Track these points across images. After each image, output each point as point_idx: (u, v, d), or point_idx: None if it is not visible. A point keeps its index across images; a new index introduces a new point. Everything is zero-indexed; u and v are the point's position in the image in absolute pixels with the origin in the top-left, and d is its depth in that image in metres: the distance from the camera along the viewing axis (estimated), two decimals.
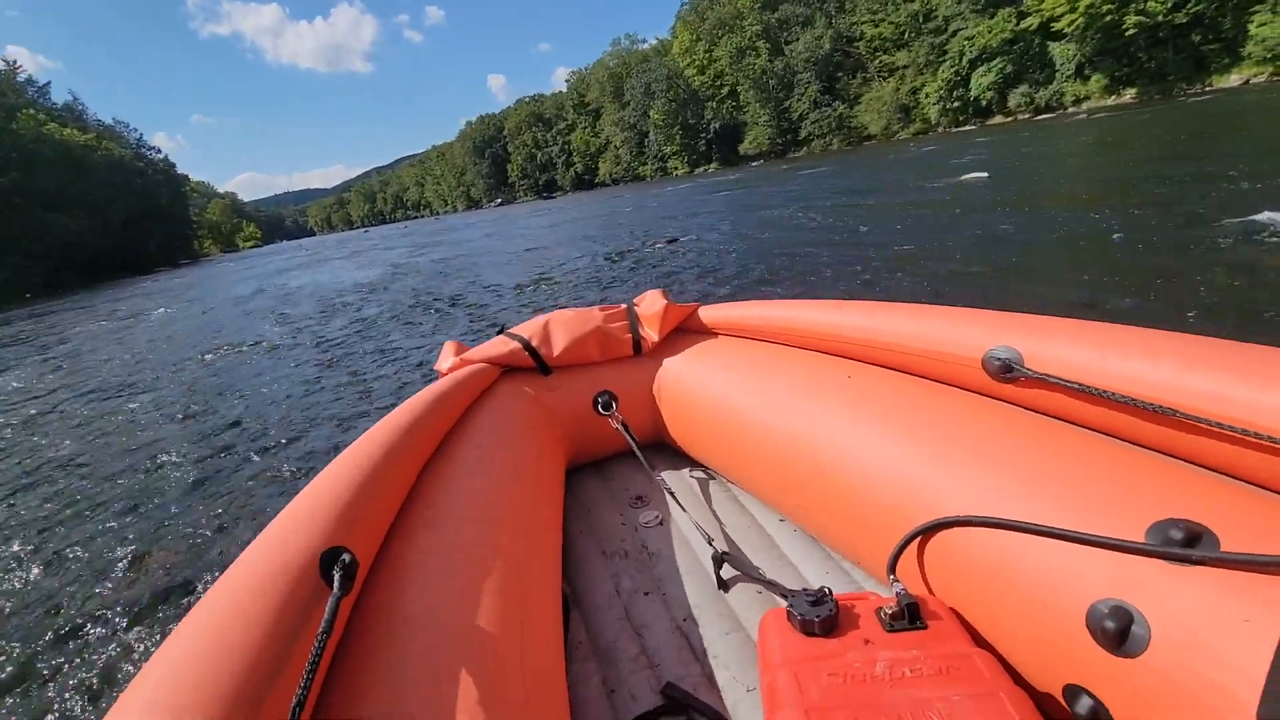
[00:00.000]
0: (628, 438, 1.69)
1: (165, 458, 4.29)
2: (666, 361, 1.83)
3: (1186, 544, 0.69)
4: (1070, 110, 39.91)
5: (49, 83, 69.78)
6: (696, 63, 73.86)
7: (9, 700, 2.03)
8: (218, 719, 0.54)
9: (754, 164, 65.26)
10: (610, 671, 1.11)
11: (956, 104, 48.10)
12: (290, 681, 0.61)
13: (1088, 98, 39.65)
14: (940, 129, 49.99)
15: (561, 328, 1.81)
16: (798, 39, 62.81)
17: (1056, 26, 38.31)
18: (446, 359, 1.76)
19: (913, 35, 51.67)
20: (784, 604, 0.93)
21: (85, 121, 71.84)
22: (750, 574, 1.26)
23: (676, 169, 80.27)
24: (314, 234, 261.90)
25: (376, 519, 0.95)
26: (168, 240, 74.43)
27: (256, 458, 4.04)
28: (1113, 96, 38.42)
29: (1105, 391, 0.91)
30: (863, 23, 57.31)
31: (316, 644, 0.63)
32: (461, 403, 1.51)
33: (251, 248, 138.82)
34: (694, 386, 1.71)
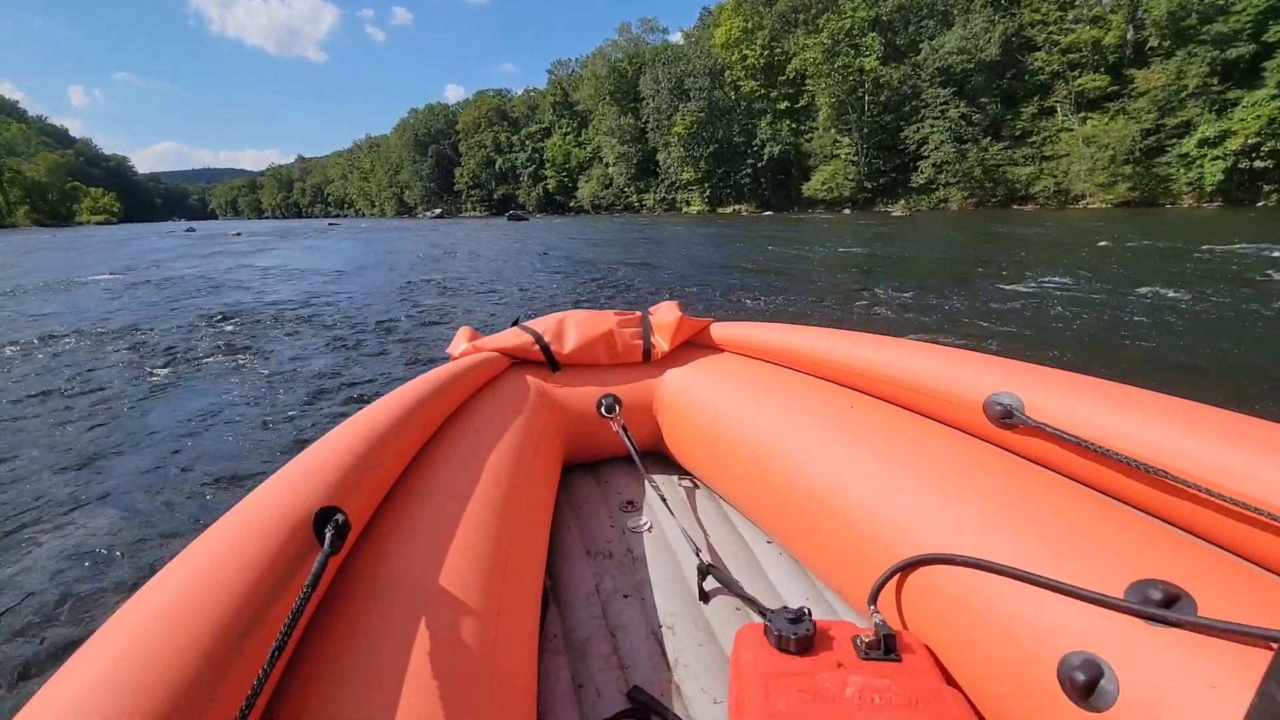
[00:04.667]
0: (627, 442, 1.68)
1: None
2: (673, 372, 1.84)
3: (1164, 605, 0.70)
4: None
5: None
6: (750, 62, 51.67)
7: None
8: (197, 658, 0.54)
9: (818, 211, 42.99)
10: (581, 667, 1.12)
11: (1267, 163, 27.26)
12: (270, 631, 0.62)
13: None
14: (1206, 199, 29.16)
15: (575, 327, 1.84)
16: (930, 37, 41.58)
17: None
18: (459, 344, 1.81)
19: (1170, 44, 30.88)
20: (761, 621, 0.95)
21: None
22: (733, 589, 1.24)
23: (690, 203, 57.25)
24: (215, 217, 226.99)
25: (373, 485, 0.96)
26: None
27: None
28: None
29: (1100, 447, 0.92)
30: (1052, 22, 36.51)
31: (300, 597, 0.63)
32: (468, 387, 1.53)
33: (100, 224, 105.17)
34: (697, 400, 1.72)
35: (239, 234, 30.94)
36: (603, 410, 1.76)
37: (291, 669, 0.68)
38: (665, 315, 1.91)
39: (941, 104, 39.66)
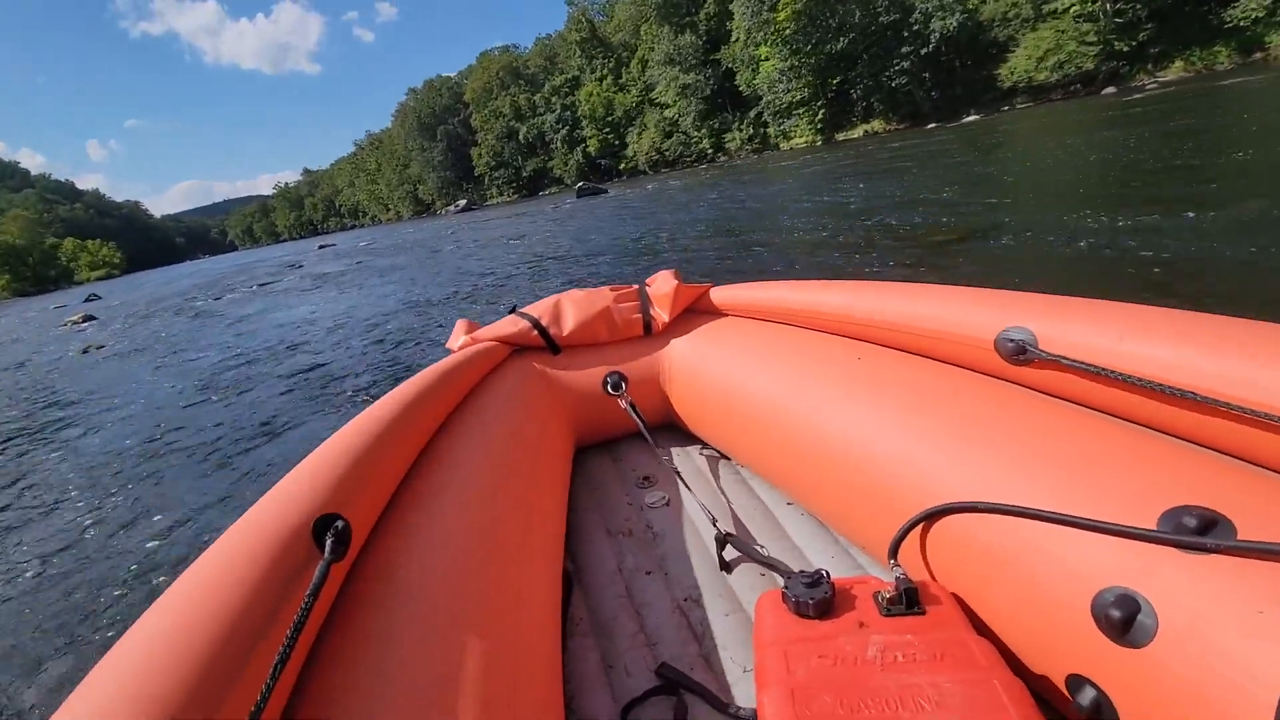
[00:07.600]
0: (635, 418, 1.67)
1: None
2: (676, 342, 1.82)
3: (1200, 531, 0.67)
4: None
5: None
6: None
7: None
8: (199, 678, 0.54)
9: (1020, 104, 26.73)
10: (608, 648, 1.11)
11: None
12: (275, 644, 0.61)
13: None
14: None
15: (572, 307, 1.81)
16: None
17: None
18: (458, 337, 1.79)
19: None
20: (780, 588, 0.93)
21: None
22: (753, 556, 1.25)
23: (791, 134, 41.38)
24: (235, 248, 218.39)
25: (376, 489, 0.95)
26: None
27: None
28: None
29: (1120, 374, 0.88)
30: None
31: (303, 606, 0.63)
32: (470, 379, 1.51)
33: (101, 278, 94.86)
34: (703, 368, 1.70)
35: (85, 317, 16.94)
36: (609, 388, 1.74)
37: (305, 680, 0.67)
38: (662, 285, 1.87)
39: None
